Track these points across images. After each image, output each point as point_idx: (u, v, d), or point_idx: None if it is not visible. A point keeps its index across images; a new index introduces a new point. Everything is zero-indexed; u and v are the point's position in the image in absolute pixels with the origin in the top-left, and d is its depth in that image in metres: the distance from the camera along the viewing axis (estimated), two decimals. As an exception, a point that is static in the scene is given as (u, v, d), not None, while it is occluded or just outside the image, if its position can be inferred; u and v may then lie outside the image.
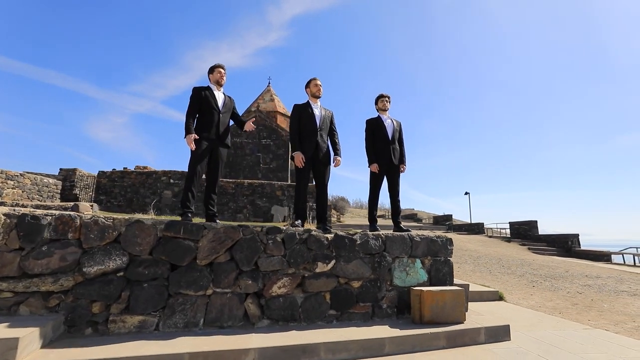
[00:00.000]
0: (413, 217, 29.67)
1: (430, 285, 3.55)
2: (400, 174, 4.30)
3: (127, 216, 2.87)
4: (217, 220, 3.45)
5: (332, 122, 3.94)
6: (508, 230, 16.56)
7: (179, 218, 3.22)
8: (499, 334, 3.14)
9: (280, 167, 27.15)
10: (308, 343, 2.59)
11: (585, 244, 13.43)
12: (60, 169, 15.07)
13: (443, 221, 25.14)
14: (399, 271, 3.49)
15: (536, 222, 15.29)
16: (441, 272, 3.63)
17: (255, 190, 17.34)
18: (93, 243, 2.71)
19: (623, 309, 4.94)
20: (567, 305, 5.11)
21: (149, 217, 3.07)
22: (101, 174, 14.33)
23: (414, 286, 3.48)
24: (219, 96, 3.65)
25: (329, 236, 3.34)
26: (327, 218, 3.83)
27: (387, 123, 4.32)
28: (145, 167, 15.34)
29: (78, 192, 14.27)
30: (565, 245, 13.08)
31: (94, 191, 14.35)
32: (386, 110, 4.42)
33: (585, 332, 3.44)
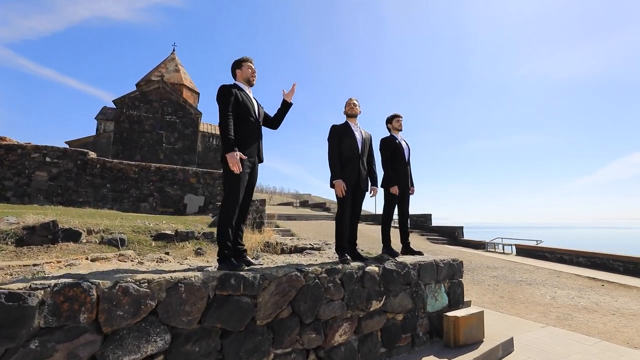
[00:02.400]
0: (322, 205, 31.20)
1: (450, 306, 3.81)
2: (410, 195, 4.39)
3: (166, 275, 1.96)
4: (250, 259, 2.79)
5: (371, 147, 3.66)
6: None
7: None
8: (508, 346, 3.64)
9: (186, 149, 24.02)
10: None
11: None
12: None
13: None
14: (430, 298, 3.60)
15: (431, 215, 18.33)
16: (457, 294, 3.92)
17: (164, 176, 14.93)
18: (121, 323, 1.78)
19: (532, 298, 6.48)
20: (498, 299, 6.36)
21: (196, 272, 2.20)
22: None
23: (440, 310, 3.66)
24: (253, 100, 2.89)
25: (379, 270, 3.15)
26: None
27: (403, 144, 4.30)
28: (3, 139, 11.10)
29: None
30: (453, 235, 16.20)
31: None
32: (400, 130, 4.39)
33: (546, 332, 4.34)
